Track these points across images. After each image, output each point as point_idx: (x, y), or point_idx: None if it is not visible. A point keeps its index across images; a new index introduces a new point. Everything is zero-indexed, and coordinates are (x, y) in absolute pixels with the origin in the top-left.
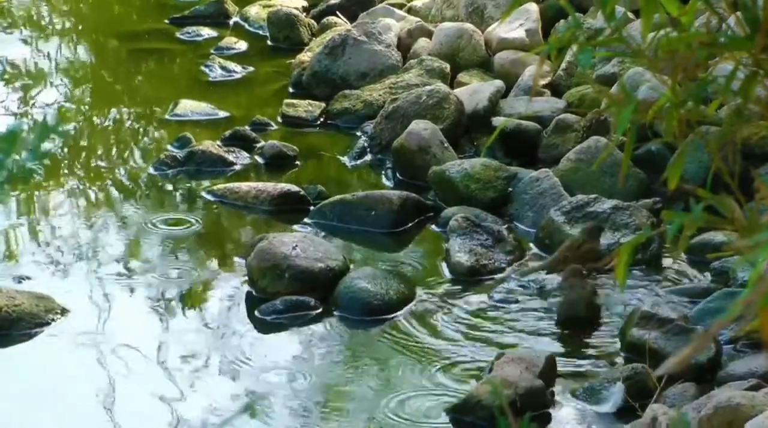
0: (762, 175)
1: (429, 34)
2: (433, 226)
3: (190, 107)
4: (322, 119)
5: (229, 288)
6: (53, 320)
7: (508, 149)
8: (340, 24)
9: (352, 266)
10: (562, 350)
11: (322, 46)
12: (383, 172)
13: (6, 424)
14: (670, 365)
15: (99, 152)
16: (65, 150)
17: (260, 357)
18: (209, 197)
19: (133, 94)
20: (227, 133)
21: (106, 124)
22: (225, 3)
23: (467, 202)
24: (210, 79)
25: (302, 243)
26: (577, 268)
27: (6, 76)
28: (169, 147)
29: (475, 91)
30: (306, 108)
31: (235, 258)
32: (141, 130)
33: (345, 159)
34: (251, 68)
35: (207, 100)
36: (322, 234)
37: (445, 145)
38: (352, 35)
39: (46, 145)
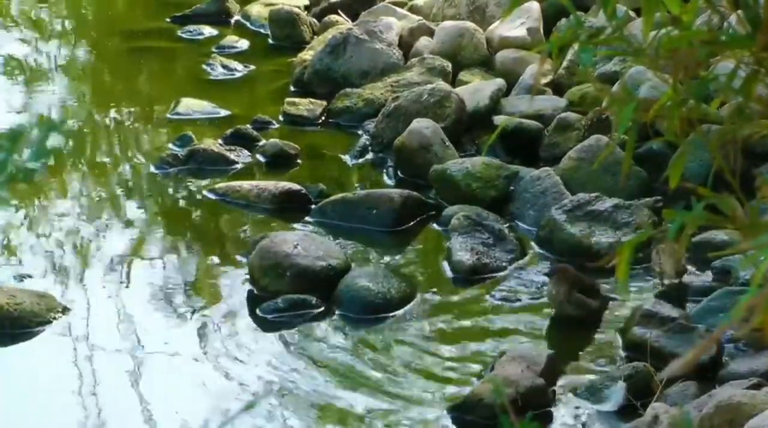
0: (763, 174)
1: (430, 33)
2: (435, 225)
3: (191, 106)
4: (323, 118)
5: (230, 287)
6: (54, 318)
7: (509, 148)
8: (342, 22)
9: (353, 265)
10: (563, 349)
11: (324, 45)
12: (384, 171)
13: (7, 422)
14: (675, 368)
15: (100, 151)
16: (67, 149)
17: (261, 355)
18: (211, 196)
19: (134, 93)
20: (228, 131)
21: (108, 122)
22: (226, 1)
23: (468, 201)
24: (211, 77)
25: (303, 242)
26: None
27: (8, 74)
28: (170, 145)
29: (476, 89)
30: (307, 106)
31: (237, 257)
32: (142, 128)
33: (346, 157)
34: (252, 67)
35: (208, 98)
36: (324, 232)
37: (447, 143)
38: (353, 34)
39: (50, 143)
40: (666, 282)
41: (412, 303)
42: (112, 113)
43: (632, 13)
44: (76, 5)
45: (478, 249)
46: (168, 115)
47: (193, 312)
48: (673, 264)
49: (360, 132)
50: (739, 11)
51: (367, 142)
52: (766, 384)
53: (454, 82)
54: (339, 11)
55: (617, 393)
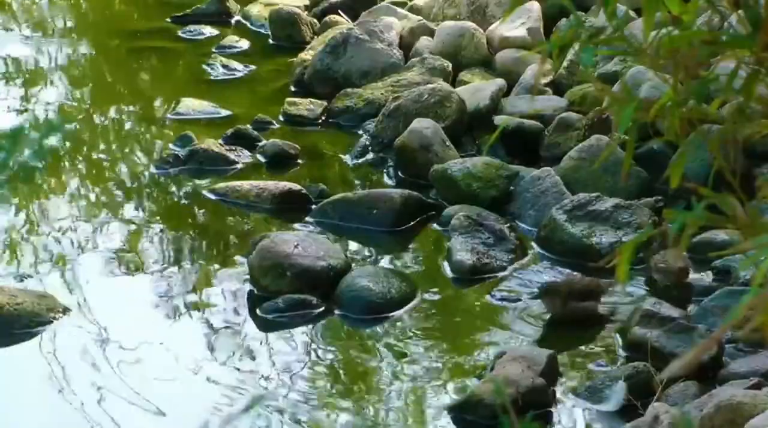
0: (764, 174)
1: (431, 33)
2: (435, 225)
3: (191, 106)
4: (323, 118)
5: (230, 287)
6: (54, 319)
7: (509, 148)
8: (342, 22)
9: (353, 265)
10: (563, 349)
11: (324, 45)
12: (385, 171)
13: (7, 422)
14: (675, 368)
15: (101, 151)
16: (67, 149)
17: (262, 355)
18: (211, 196)
19: (134, 93)
20: (229, 131)
21: (108, 122)
22: (227, 1)
23: (469, 201)
24: (212, 77)
25: (304, 242)
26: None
27: (8, 75)
28: (170, 146)
29: (476, 89)
30: (307, 106)
31: (237, 257)
32: (143, 128)
33: (347, 157)
34: (253, 67)
35: (209, 98)
36: (324, 232)
37: (447, 143)
38: (353, 34)
39: (49, 143)
40: (667, 282)
41: (412, 303)
42: (113, 113)
43: (632, 13)
44: (75, 5)
45: (479, 249)
46: (168, 115)
47: (193, 313)
48: (676, 268)
49: (360, 132)
50: (740, 11)
51: (368, 142)
52: (766, 384)
53: (454, 82)
54: (339, 11)
55: (617, 393)
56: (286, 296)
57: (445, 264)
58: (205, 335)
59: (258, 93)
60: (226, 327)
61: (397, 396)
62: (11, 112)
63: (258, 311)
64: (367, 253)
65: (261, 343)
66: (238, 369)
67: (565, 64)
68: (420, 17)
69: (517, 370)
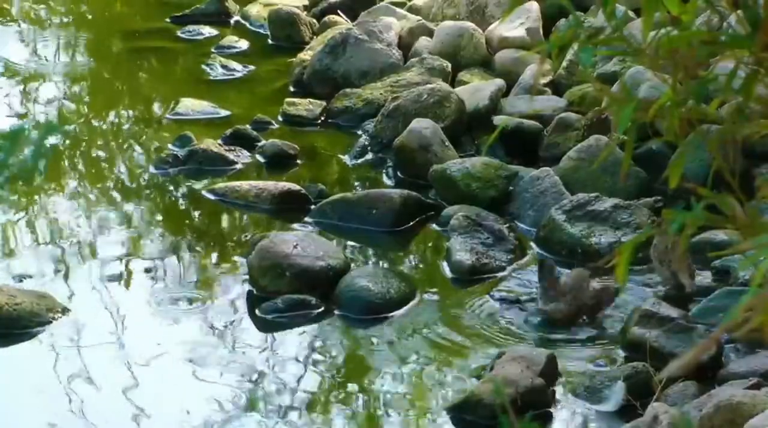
0: (763, 174)
1: (430, 33)
2: (434, 225)
3: (191, 106)
4: (322, 118)
5: (230, 287)
6: (54, 319)
7: (509, 148)
8: (341, 23)
9: (352, 265)
10: (563, 349)
11: (323, 45)
12: (384, 171)
13: (7, 423)
14: (674, 368)
15: (100, 151)
16: (66, 149)
17: (261, 355)
18: (210, 196)
19: (134, 93)
20: (228, 131)
21: (107, 123)
22: (226, 1)
23: (468, 201)
24: (211, 77)
25: (303, 242)
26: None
27: (7, 75)
28: (170, 146)
29: (476, 89)
30: (307, 107)
31: (236, 257)
32: (142, 129)
33: (346, 157)
34: (252, 67)
35: (208, 98)
36: (323, 232)
37: (446, 143)
38: (353, 34)
39: (49, 143)
40: (687, 288)
41: (411, 303)
42: (112, 113)
43: (632, 13)
44: (75, 6)
45: (478, 250)
46: (168, 115)
47: (192, 313)
48: (687, 272)
49: (359, 132)
50: (739, 11)
51: (367, 142)
52: (766, 384)
53: (453, 82)
54: (338, 11)
55: (617, 393)
56: (285, 296)
57: (445, 264)
58: (204, 335)
59: (257, 93)
60: (225, 328)
61: (397, 396)
62: (11, 112)
63: (257, 311)
64: (366, 253)
65: (260, 343)
66: (237, 370)
67: (564, 64)
68: (419, 17)
69: (516, 370)
